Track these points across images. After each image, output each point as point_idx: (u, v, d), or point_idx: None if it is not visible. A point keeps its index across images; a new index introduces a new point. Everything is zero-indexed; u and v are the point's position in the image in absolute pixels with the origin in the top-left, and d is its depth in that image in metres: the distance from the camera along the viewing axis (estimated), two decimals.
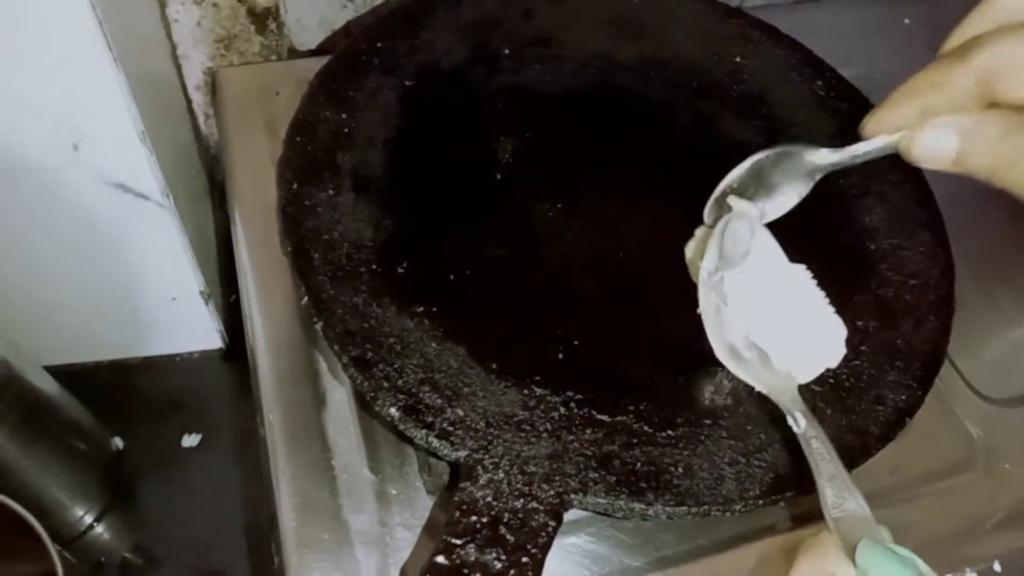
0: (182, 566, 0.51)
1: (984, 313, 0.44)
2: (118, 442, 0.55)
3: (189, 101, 0.53)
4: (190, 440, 0.55)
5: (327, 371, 0.37)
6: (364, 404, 0.36)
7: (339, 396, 0.36)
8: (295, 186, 0.36)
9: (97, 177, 0.43)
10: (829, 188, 0.40)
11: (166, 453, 0.55)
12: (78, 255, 0.49)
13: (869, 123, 0.27)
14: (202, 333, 0.57)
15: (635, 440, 0.32)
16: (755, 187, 0.33)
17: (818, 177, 0.32)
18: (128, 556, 0.51)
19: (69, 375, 0.53)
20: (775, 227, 0.36)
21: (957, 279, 0.45)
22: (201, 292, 0.53)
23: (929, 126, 0.25)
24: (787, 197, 0.33)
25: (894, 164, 0.40)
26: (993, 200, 0.50)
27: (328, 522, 0.33)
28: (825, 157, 0.31)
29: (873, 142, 0.27)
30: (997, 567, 0.35)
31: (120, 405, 0.56)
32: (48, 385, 0.51)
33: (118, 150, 0.42)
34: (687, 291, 0.33)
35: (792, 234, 0.40)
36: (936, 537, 0.36)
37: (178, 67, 0.51)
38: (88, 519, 0.52)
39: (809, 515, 0.35)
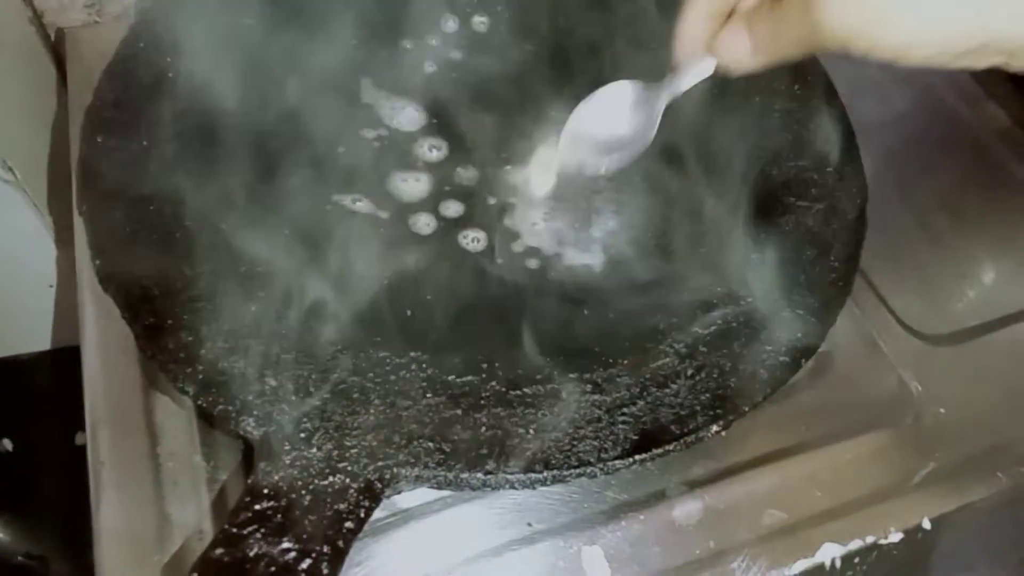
0: (78, 566, 0.47)
1: (920, 245, 0.40)
2: (7, 444, 0.51)
3: (45, 33, 0.48)
4: (83, 438, 0.51)
5: None
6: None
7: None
8: (99, 139, 0.31)
9: None
10: (730, 113, 0.36)
11: (59, 452, 0.51)
12: None
13: (677, 50, 0.26)
14: None
15: (482, 402, 0.27)
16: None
17: (659, 111, 0.28)
18: (21, 559, 0.47)
19: None
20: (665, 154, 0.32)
21: (893, 212, 0.41)
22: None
23: (723, 32, 0.24)
24: (636, 132, 0.29)
25: (798, 79, 0.36)
26: (938, 136, 0.45)
27: (149, 516, 0.29)
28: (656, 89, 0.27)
29: (690, 67, 0.26)
30: (927, 524, 0.31)
31: (8, 404, 0.52)
32: None
33: None
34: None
35: (689, 164, 0.36)
36: (859, 494, 0.31)
37: (41, 28, 0.47)
38: None
39: None
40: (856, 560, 0.30)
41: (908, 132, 0.44)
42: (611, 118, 0.30)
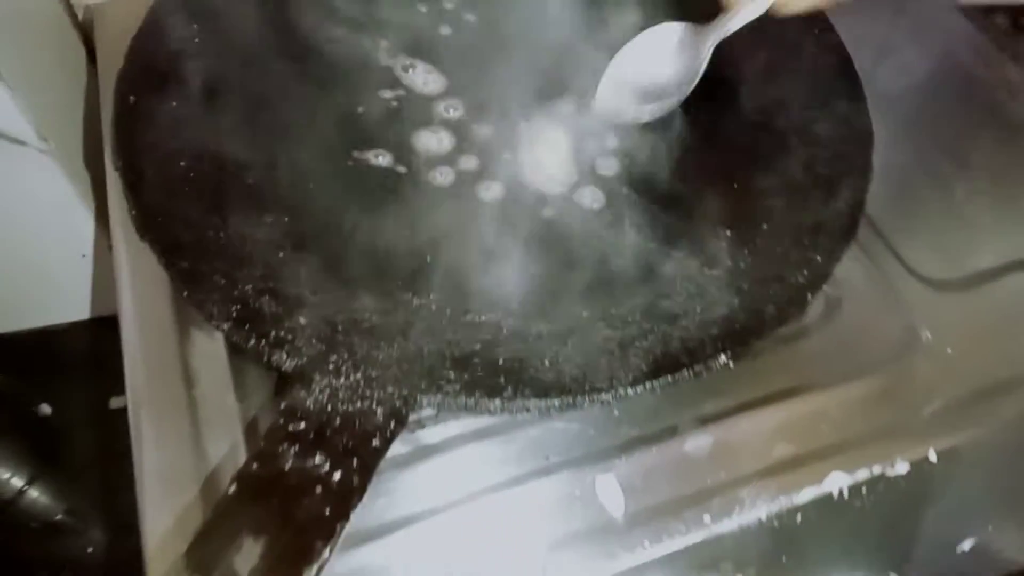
0: (113, 525, 0.49)
1: (928, 193, 0.40)
2: (45, 408, 0.53)
3: (75, 17, 0.50)
4: (118, 402, 0.53)
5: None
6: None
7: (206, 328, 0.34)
8: (132, 99, 0.33)
9: None
10: (743, 66, 0.37)
11: (94, 416, 0.53)
12: None
13: None
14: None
15: (500, 338, 0.29)
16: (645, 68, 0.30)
17: (706, 54, 0.28)
18: (60, 518, 0.50)
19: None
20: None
21: (904, 165, 0.42)
22: (110, 245, 0.51)
23: None
24: (680, 77, 0.29)
25: (810, 34, 0.37)
26: (950, 92, 0.46)
27: (186, 452, 0.31)
28: (703, 31, 0.27)
29: (743, 5, 0.24)
30: (932, 457, 0.32)
31: (45, 372, 0.54)
32: None
33: None
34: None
35: (696, 115, 0.37)
36: (868, 426, 0.32)
37: (68, 7, 0.49)
38: (18, 484, 0.50)
39: None
40: (863, 490, 0.31)
41: (919, 88, 0.45)
42: (654, 62, 0.29)
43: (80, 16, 0.50)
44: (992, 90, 0.45)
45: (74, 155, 0.46)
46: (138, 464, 0.31)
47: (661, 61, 0.29)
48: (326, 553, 0.22)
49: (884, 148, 0.41)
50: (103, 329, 0.57)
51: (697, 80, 0.29)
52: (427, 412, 0.31)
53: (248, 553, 0.22)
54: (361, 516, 0.29)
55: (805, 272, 0.30)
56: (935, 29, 0.46)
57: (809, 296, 0.29)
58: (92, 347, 0.56)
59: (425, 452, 0.31)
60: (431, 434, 0.32)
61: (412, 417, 0.31)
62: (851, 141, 0.34)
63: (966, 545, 0.38)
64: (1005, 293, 0.37)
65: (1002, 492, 0.36)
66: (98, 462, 0.52)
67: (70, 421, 0.53)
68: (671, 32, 0.29)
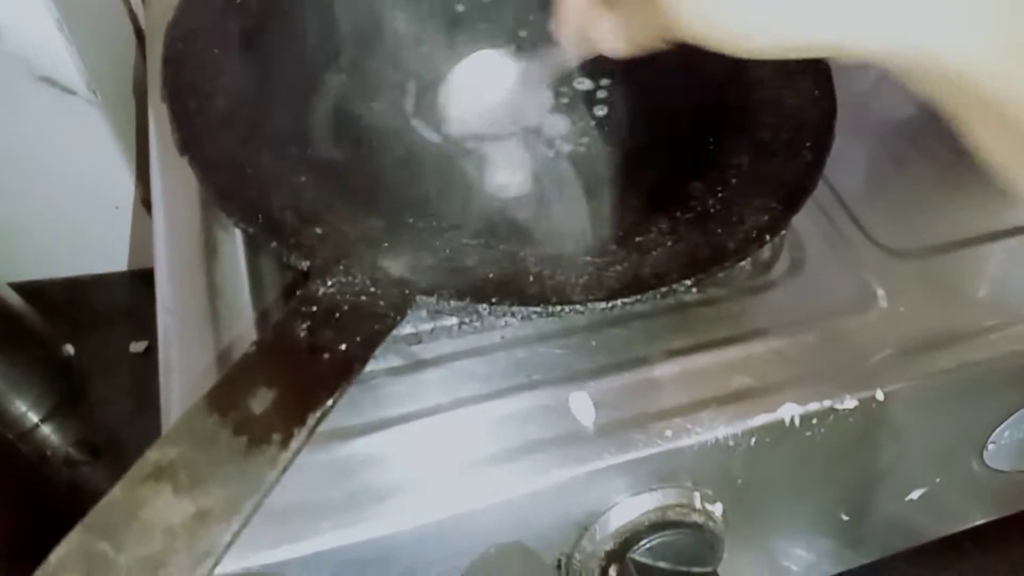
0: (123, 460, 0.52)
1: (891, 171, 0.44)
2: (69, 349, 0.57)
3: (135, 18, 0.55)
4: (138, 347, 0.57)
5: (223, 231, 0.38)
6: (252, 247, 0.37)
7: (230, 248, 0.38)
8: (180, 45, 0.37)
9: (24, 70, 0.46)
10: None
11: (114, 359, 0.57)
12: (17, 160, 0.51)
13: (557, 30, 0.28)
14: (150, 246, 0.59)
15: (493, 259, 0.32)
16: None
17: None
18: (71, 451, 0.53)
19: (27, 290, 0.56)
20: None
21: (866, 143, 0.46)
22: (143, 200, 0.55)
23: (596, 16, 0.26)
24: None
25: None
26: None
27: (210, 351, 0.34)
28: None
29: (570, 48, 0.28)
30: (880, 396, 0.35)
31: (73, 318, 0.58)
32: (10, 296, 0.54)
33: (38, 40, 0.44)
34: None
35: (681, 89, 0.41)
36: (821, 366, 0.36)
37: None
38: (35, 417, 0.54)
39: None
40: (814, 421, 0.34)
41: (886, 79, 0.49)
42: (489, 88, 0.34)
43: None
44: None
45: (118, 111, 0.51)
46: (163, 362, 0.35)
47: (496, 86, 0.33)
48: (329, 403, 0.25)
49: (851, 129, 0.45)
50: (132, 282, 0.61)
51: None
52: (423, 326, 0.35)
53: (262, 399, 0.25)
54: (360, 412, 0.33)
55: (766, 218, 0.34)
56: None
57: (767, 236, 0.33)
58: (120, 298, 0.60)
59: (420, 365, 0.35)
60: (426, 349, 0.35)
61: (409, 330, 0.35)
62: (816, 112, 0.38)
63: (915, 495, 0.41)
64: (956, 264, 0.40)
65: (944, 442, 0.40)
66: (115, 400, 0.55)
67: (91, 363, 0.57)
68: (497, 59, 0.33)
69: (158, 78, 0.38)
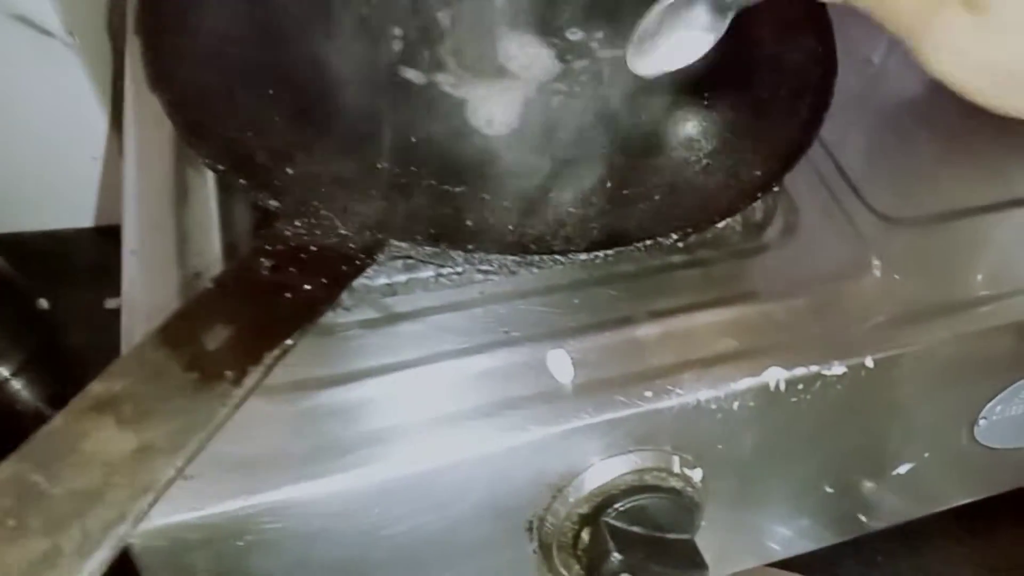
0: None
1: (891, 141, 0.43)
2: (43, 303, 0.56)
3: None
4: (112, 303, 0.56)
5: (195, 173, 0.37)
6: (224, 188, 0.36)
7: (201, 191, 0.36)
8: None
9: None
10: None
11: (89, 314, 0.55)
12: None
13: None
14: None
15: (472, 207, 0.31)
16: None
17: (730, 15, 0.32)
18: (42, 406, 0.52)
19: (2, 243, 0.55)
20: None
21: (868, 112, 0.44)
22: (121, 151, 0.54)
23: None
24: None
25: None
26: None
27: (171, 268, 0.33)
28: None
29: None
30: (869, 363, 0.34)
31: (48, 272, 0.57)
32: None
33: None
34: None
35: None
36: (810, 331, 0.34)
37: None
38: (6, 371, 0.53)
39: None
40: (800, 387, 0.33)
41: (892, 53, 0.48)
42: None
43: None
44: None
45: (95, 55, 0.49)
46: (126, 277, 0.33)
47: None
48: (288, 342, 0.24)
49: (852, 98, 0.44)
50: (106, 237, 0.60)
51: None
52: (398, 277, 0.33)
53: (217, 336, 0.24)
54: (330, 364, 0.32)
55: (758, 174, 0.32)
56: None
57: (759, 193, 0.32)
58: (95, 253, 0.59)
59: (396, 318, 0.33)
60: (402, 302, 0.34)
61: (383, 281, 0.33)
62: (816, 71, 0.36)
63: (902, 469, 0.40)
64: (954, 234, 0.39)
65: (935, 415, 0.39)
66: (88, 355, 0.54)
67: (65, 317, 0.55)
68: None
69: (134, 18, 0.36)
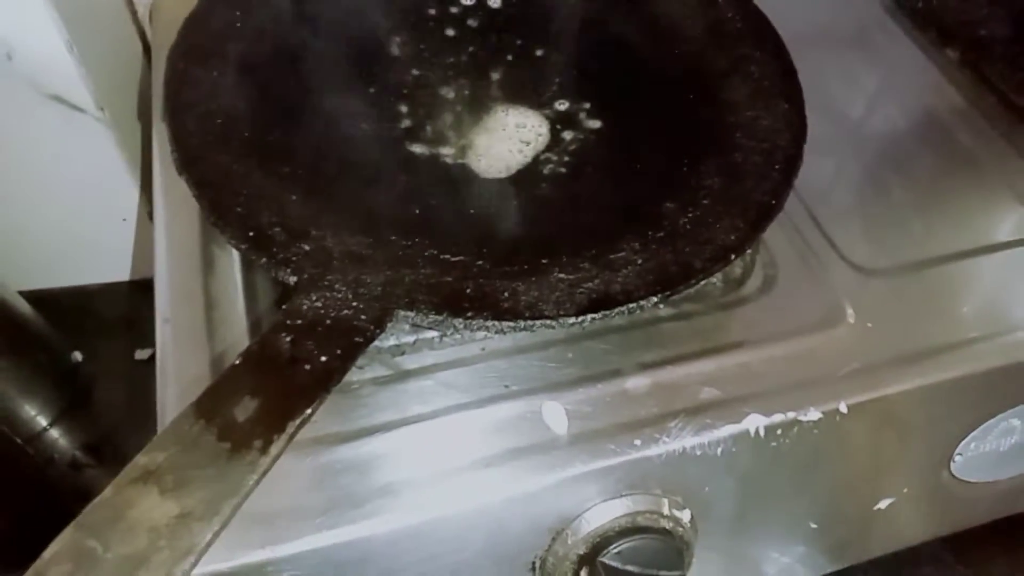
0: (126, 463, 0.54)
1: (865, 192, 0.46)
2: (77, 356, 0.59)
3: (135, 13, 0.57)
4: (142, 354, 0.59)
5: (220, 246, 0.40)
6: (247, 261, 0.39)
7: (226, 262, 0.40)
8: (181, 66, 0.40)
9: (34, 89, 0.48)
10: (697, 70, 0.43)
11: (119, 366, 0.59)
12: (27, 175, 0.53)
13: None
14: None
15: (470, 274, 0.34)
16: None
17: None
18: (78, 454, 0.55)
19: (36, 299, 0.59)
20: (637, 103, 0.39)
21: (842, 164, 0.47)
22: (149, 213, 0.58)
23: None
24: None
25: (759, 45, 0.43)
26: (892, 106, 0.52)
27: (204, 360, 0.36)
28: None
29: None
30: (843, 408, 0.36)
31: (80, 324, 0.60)
32: (20, 305, 0.56)
33: (48, 60, 0.46)
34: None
35: (658, 110, 0.42)
36: (787, 379, 0.37)
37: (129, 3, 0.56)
38: (44, 421, 0.56)
39: None
40: (779, 432, 0.36)
41: (868, 106, 0.51)
42: None
43: (139, 12, 0.57)
44: (937, 114, 0.51)
45: (125, 127, 0.53)
46: (160, 370, 0.37)
47: None
48: (308, 411, 0.27)
49: (828, 152, 0.47)
50: (136, 292, 0.63)
51: None
52: (406, 339, 0.37)
53: (245, 408, 0.27)
54: (345, 420, 0.35)
55: (733, 237, 0.35)
56: (889, 61, 0.53)
57: (732, 255, 0.35)
58: (125, 307, 0.62)
59: (404, 375, 0.36)
60: (409, 360, 0.37)
61: (392, 342, 0.37)
62: (787, 135, 0.39)
63: (883, 504, 0.42)
64: (925, 283, 0.41)
65: (911, 454, 0.41)
66: (120, 406, 0.58)
67: (98, 369, 0.59)
68: None
69: (161, 97, 0.40)
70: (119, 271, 0.62)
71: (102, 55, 0.51)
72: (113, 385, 0.58)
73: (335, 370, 0.29)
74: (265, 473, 0.25)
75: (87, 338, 0.60)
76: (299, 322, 0.30)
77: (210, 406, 0.27)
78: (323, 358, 0.29)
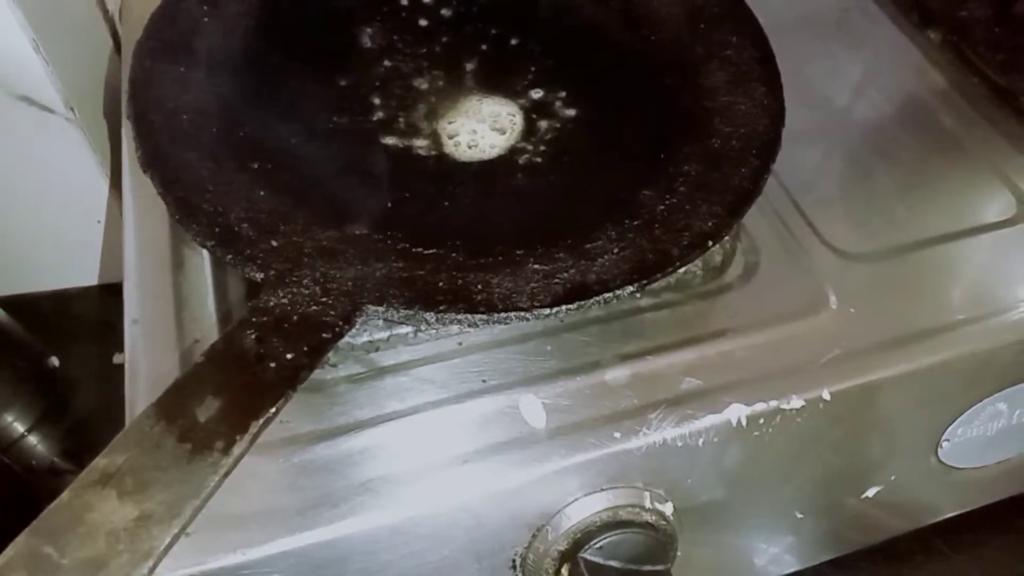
0: None
1: (847, 177, 0.45)
2: (54, 360, 0.58)
3: (105, 10, 0.56)
4: (120, 358, 0.58)
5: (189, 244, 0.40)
6: (218, 262, 0.38)
7: (196, 261, 0.39)
8: (147, 63, 0.39)
9: (2, 90, 0.47)
10: (673, 56, 0.42)
11: (98, 370, 0.58)
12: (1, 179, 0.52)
13: None
14: None
15: (444, 267, 0.33)
16: None
17: None
18: (56, 460, 0.54)
19: (12, 304, 0.58)
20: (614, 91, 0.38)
21: (823, 149, 0.47)
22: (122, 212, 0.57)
23: None
24: None
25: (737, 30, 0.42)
26: (874, 89, 0.51)
27: (174, 361, 0.36)
28: None
29: None
30: (827, 395, 0.36)
31: (57, 328, 0.59)
32: None
33: (14, 60, 0.45)
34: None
35: (635, 97, 0.42)
36: (769, 367, 0.36)
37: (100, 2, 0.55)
38: (21, 428, 0.55)
39: None
40: (761, 421, 0.35)
41: (850, 89, 0.50)
42: None
43: (110, 8, 0.56)
44: (919, 97, 0.50)
45: (97, 127, 0.52)
46: (128, 345, 0.36)
47: None
48: (272, 410, 0.26)
49: (809, 137, 0.46)
50: (113, 295, 0.62)
51: None
52: (380, 335, 0.36)
53: (208, 407, 0.26)
54: (320, 419, 0.34)
55: (711, 224, 0.35)
56: (871, 44, 0.52)
57: (710, 242, 0.34)
58: (101, 310, 0.61)
59: (379, 372, 0.36)
60: (385, 356, 0.36)
61: (366, 338, 0.36)
62: (764, 120, 0.39)
63: (870, 492, 0.42)
64: (908, 267, 0.41)
65: (898, 440, 0.40)
66: (99, 411, 0.57)
67: (76, 374, 0.58)
68: None
69: (127, 83, 0.39)
70: (95, 274, 0.61)
71: (71, 53, 0.50)
72: (91, 390, 0.58)
73: (302, 367, 0.28)
74: (228, 474, 0.25)
75: (64, 343, 0.59)
76: (265, 319, 0.29)
77: (172, 406, 0.26)
78: (289, 355, 0.28)
